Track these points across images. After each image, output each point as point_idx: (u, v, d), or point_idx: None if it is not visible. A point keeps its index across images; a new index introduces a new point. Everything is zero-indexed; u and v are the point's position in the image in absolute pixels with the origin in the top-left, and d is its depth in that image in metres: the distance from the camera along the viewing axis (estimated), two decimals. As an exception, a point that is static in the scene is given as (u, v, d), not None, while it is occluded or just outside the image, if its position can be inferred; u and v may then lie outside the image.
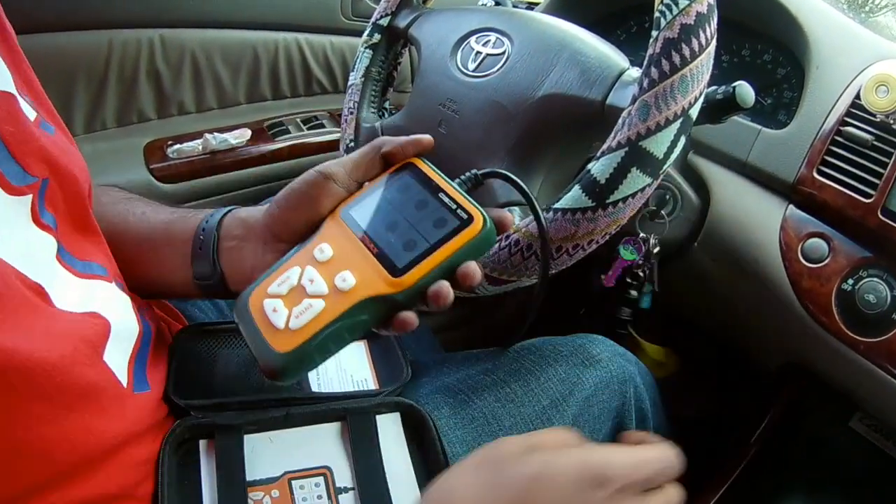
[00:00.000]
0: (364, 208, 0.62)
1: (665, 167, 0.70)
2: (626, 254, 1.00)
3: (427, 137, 0.65)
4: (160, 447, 0.65)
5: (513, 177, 0.64)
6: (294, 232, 0.65)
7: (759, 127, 0.99)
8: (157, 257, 0.74)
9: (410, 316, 0.57)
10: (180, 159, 1.32)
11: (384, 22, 1.04)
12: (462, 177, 0.64)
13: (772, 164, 0.97)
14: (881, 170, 0.89)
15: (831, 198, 0.92)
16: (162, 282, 0.75)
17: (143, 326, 0.69)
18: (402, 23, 1.02)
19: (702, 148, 1.04)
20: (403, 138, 0.64)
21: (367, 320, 0.56)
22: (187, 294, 0.74)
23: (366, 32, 1.05)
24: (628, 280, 1.04)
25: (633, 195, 0.69)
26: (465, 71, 0.89)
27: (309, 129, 1.44)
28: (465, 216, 0.57)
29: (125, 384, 0.62)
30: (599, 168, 0.69)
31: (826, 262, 0.91)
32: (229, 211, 0.73)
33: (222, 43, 1.40)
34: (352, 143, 0.99)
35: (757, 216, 0.97)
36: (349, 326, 0.56)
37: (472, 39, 0.92)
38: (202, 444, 0.69)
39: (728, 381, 1.43)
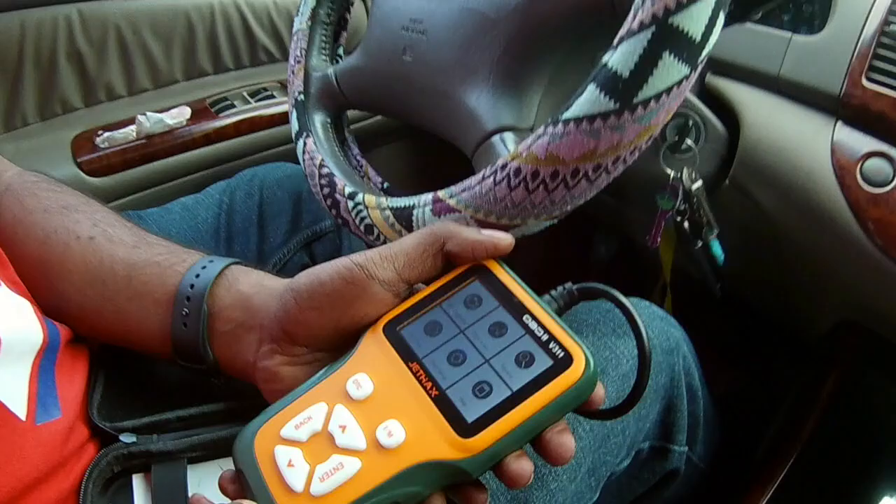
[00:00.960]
0: (418, 326, 0.48)
1: (704, 53, 0.54)
2: (664, 203, 0.83)
3: (507, 238, 0.50)
4: (80, 485, 0.53)
5: (621, 298, 0.47)
6: (318, 338, 0.51)
7: (788, 34, 0.83)
8: (116, 311, 0.58)
9: (480, 499, 0.44)
10: (112, 148, 1.16)
11: (330, -44, 0.88)
12: (553, 292, 0.49)
13: (810, 75, 0.81)
14: None
15: (889, 108, 0.76)
16: (122, 339, 0.59)
17: (48, 332, 0.55)
18: None
19: (722, 66, 0.88)
20: (475, 234, 0.49)
21: (418, 493, 0.43)
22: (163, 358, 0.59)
23: (310, -30, 0.89)
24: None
25: (669, 91, 0.53)
26: None
27: (257, 101, 1.28)
28: (559, 353, 0.44)
29: (23, 415, 0.50)
30: (620, 58, 0.53)
31: (893, 184, 0.76)
32: (225, 267, 0.57)
33: (150, 13, 1.25)
34: (301, 96, 0.82)
35: (800, 139, 0.81)
36: (393, 501, 0.42)
37: None
38: (136, 479, 0.56)
39: (755, 351, 1.28)
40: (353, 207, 0.69)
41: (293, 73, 0.85)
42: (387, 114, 0.81)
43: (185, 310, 0.55)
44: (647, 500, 0.87)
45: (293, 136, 0.81)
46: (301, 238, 0.97)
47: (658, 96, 0.53)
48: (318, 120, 0.81)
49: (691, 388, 0.81)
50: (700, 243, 0.90)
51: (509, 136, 0.62)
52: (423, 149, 1.42)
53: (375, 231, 0.67)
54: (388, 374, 0.46)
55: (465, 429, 0.42)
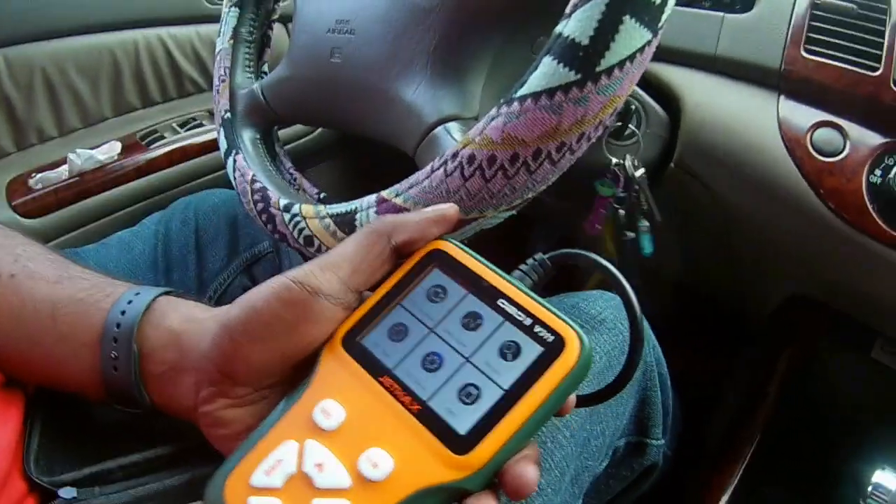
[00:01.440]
0: (381, 332, 0.39)
1: (665, 16, 0.45)
2: (604, 189, 0.73)
3: (452, 207, 0.42)
4: None
5: (593, 256, 0.40)
6: (262, 374, 0.40)
7: (720, 13, 0.76)
8: (45, 356, 0.47)
9: None
10: (45, 189, 1.04)
11: (247, -29, 0.76)
12: (523, 267, 0.41)
13: (748, 51, 0.74)
14: (878, 38, 0.69)
15: (831, 78, 0.70)
16: (55, 383, 0.48)
17: None
18: None
19: (657, 51, 0.79)
20: (417, 215, 0.41)
21: None
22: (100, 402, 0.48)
23: (229, -12, 0.77)
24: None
25: (632, 58, 0.44)
26: None
27: (187, 131, 1.16)
28: (548, 337, 0.35)
29: None
30: (577, 25, 0.43)
31: (845, 153, 0.68)
32: (153, 301, 0.46)
33: (74, 52, 1.12)
34: (228, 115, 0.71)
35: (746, 116, 0.73)
36: None
37: None
38: (78, 546, 0.45)
39: (701, 332, 1.21)
40: (290, 220, 0.58)
41: (218, 92, 0.74)
42: (319, 123, 0.70)
43: (114, 352, 0.44)
44: (626, 496, 0.78)
45: (223, 155, 0.70)
46: (240, 262, 0.86)
47: (622, 64, 0.44)
48: (247, 136, 0.70)
49: (661, 377, 0.73)
50: (632, 234, 0.81)
51: (454, 126, 0.52)
52: (360, 163, 1.30)
53: (316, 242, 0.56)
54: (359, 394, 0.37)
55: (460, 443, 0.33)
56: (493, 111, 0.45)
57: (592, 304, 0.66)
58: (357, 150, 1.25)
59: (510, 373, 0.34)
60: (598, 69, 0.43)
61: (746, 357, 0.99)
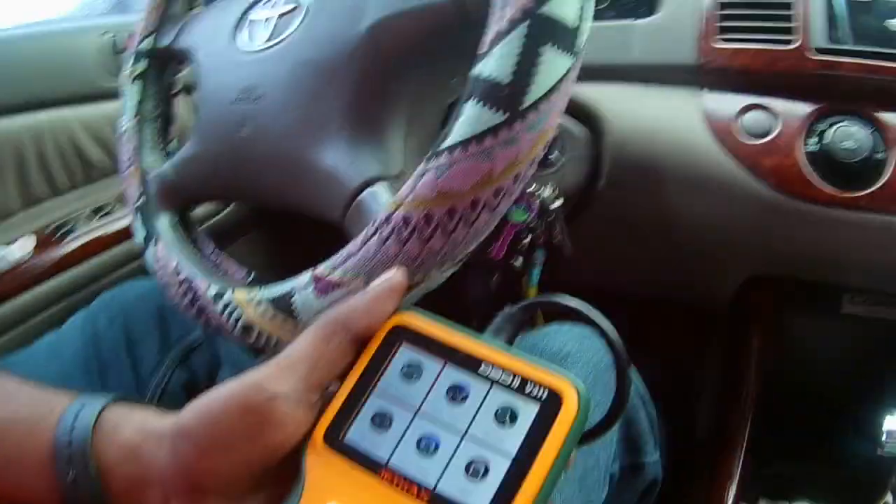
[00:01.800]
0: (363, 425, 0.36)
1: (584, 36, 0.43)
2: (517, 214, 0.71)
3: (398, 273, 0.40)
4: None
5: (567, 301, 0.38)
6: (234, 483, 0.37)
7: (630, 21, 0.75)
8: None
9: None
10: (-45, 298, 0.95)
11: (147, 45, 0.72)
12: (494, 323, 0.39)
13: (662, 53, 0.74)
14: (788, 11, 0.71)
15: (749, 61, 0.71)
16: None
17: None
18: (167, 40, 0.71)
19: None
20: (365, 296, 0.39)
21: None
22: None
23: (128, 64, 0.73)
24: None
25: (557, 87, 0.42)
26: (257, 48, 0.59)
27: (100, 219, 1.09)
28: (541, 394, 0.34)
29: None
30: (496, 64, 0.41)
31: (777, 130, 0.69)
32: (101, 413, 0.42)
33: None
34: (141, 201, 0.66)
35: (670, 118, 0.73)
36: None
37: (254, 11, 0.63)
38: None
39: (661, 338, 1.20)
40: (224, 309, 0.54)
41: (128, 176, 0.69)
42: (237, 198, 0.66)
43: (71, 474, 0.41)
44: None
45: (140, 243, 0.65)
46: (175, 355, 0.81)
47: (547, 95, 0.41)
48: (164, 222, 0.65)
49: (640, 394, 0.71)
50: (521, 263, 0.79)
51: (381, 188, 0.48)
52: (282, 232, 1.25)
53: (255, 330, 0.52)
54: (361, 494, 0.34)
55: None
56: (421, 167, 0.42)
57: (552, 341, 0.64)
58: (277, 220, 1.19)
59: (513, 438, 0.33)
60: (524, 106, 0.40)
61: (718, 346, 0.98)
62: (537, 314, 0.99)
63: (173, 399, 0.39)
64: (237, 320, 0.53)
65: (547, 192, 0.73)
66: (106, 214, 1.10)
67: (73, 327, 0.82)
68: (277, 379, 0.36)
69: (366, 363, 0.37)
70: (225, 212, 1.12)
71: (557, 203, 0.71)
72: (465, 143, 0.41)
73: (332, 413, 0.36)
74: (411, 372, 0.36)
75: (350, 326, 0.37)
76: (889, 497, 0.72)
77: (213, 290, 0.55)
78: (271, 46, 0.58)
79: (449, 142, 0.42)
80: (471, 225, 0.43)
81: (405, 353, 0.36)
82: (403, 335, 0.37)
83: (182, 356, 0.82)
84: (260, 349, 0.53)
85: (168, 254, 0.61)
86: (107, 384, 0.76)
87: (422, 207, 0.42)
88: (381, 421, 0.35)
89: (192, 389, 0.79)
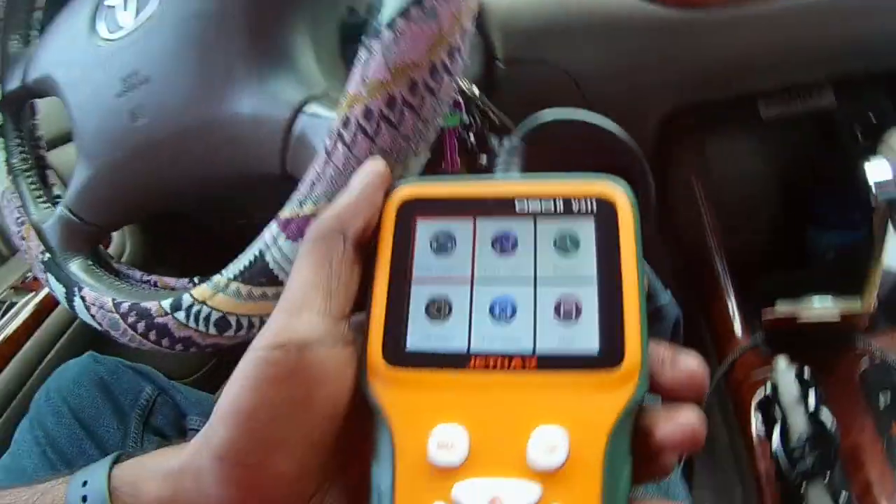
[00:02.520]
0: (422, 325, 0.30)
1: None
2: (450, 119, 0.67)
3: (376, 159, 0.36)
4: None
5: (577, 116, 0.36)
6: (301, 479, 0.31)
7: None
8: None
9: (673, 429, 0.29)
10: None
11: (-6, 96, 0.65)
12: (500, 160, 0.37)
13: None
14: None
15: None
16: None
17: None
18: (15, 82, 0.63)
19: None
20: (351, 193, 0.33)
21: (629, 467, 0.28)
22: None
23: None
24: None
25: None
26: (125, 31, 0.53)
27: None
28: (589, 204, 0.31)
29: None
30: None
31: None
32: (108, 478, 0.35)
33: None
34: (46, 255, 0.59)
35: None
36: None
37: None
38: None
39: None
40: (188, 315, 0.48)
41: (23, 238, 0.61)
42: (154, 208, 0.59)
43: None
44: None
45: (64, 301, 0.57)
46: (136, 421, 0.75)
47: None
48: (80, 267, 0.58)
49: None
50: (486, 160, 0.74)
51: (316, 106, 0.44)
52: (207, 233, 1.15)
53: (233, 321, 0.46)
54: (461, 398, 0.29)
55: (606, 359, 0.28)
56: (363, 55, 0.38)
57: None
58: (191, 229, 1.11)
59: (586, 262, 0.30)
60: None
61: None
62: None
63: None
64: (207, 319, 0.47)
65: (463, 84, 0.69)
66: (6, 312, 1.00)
67: (24, 440, 0.75)
68: (297, 326, 0.30)
69: (388, 258, 0.32)
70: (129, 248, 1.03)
71: (476, 89, 0.67)
72: (404, 12, 0.37)
73: (378, 328, 0.30)
74: (443, 243, 0.31)
75: (347, 231, 0.32)
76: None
77: (166, 304, 0.49)
78: (141, 23, 0.52)
79: (386, 18, 0.37)
80: (434, 93, 0.39)
81: (426, 228, 0.32)
82: (414, 210, 0.32)
83: (143, 419, 0.76)
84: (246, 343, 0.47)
85: (99, 294, 0.54)
86: (81, 475, 0.69)
87: (380, 93, 0.38)
88: (439, 309, 0.30)
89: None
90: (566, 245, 0.30)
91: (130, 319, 0.51)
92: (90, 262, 0.58)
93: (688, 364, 0.29)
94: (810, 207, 0.88)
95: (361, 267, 0.32)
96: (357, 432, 0.31)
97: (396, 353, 0.30)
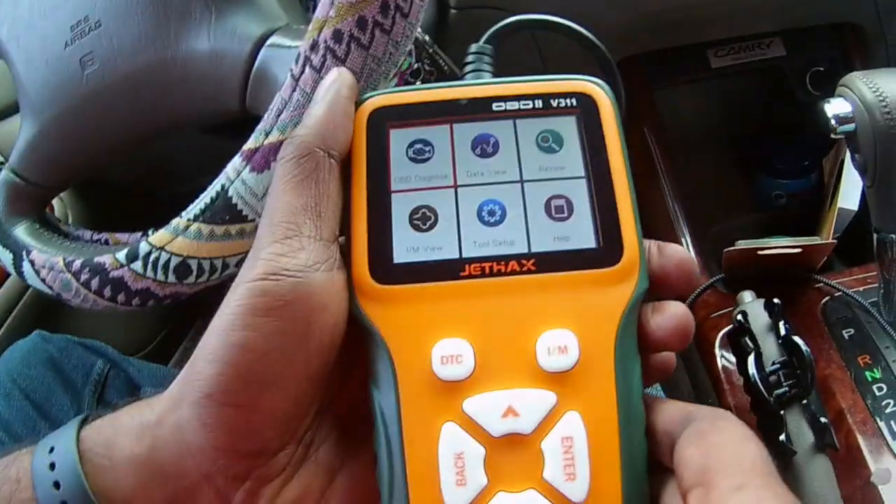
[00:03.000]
0: (407, 236, 0.29)
1: None
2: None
3: (342, 72, 0.32)
4: None
5: (545, 17, 0.36)
6: (294, 417, 0.29)
7: None
8: None
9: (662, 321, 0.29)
10: None
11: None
12: (468, 65, 0.35)
13: None
14: None
15: None
16: None
17: None
18: None
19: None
20: (321, 107, 0.30)
21: (639, 364, 0.28)
22: None
23: None
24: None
25: None
26: None
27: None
28: (568, 101, 0.30)
29: None
30: None
31: None
32: (78, 442, 0.31)
33: None
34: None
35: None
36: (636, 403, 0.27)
37: None
38: None
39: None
40: (145, 264, 0.45)
41: None
42: (102, 163, 0.56)
43: None
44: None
45: (12, 268, 0.54)
46: (88, 399, 0.72)
47: None
48: (26, 230, 0.54)
49: None
50: None
51: (279, 37, 0.42)
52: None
53: (194, 266, 0.44)
54: (459, 307, 0.28)
55: (605, 255, 0.28)
56: None
57: None
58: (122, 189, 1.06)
59: (572, 159, 0.29)
60: None
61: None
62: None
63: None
64: (166, 266, 0.44)
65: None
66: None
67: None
68: (289, 251, 0.28)
69: (364, 172, 0.30)
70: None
71: (426, 36, 0.66)
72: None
73: (362, 246, 0.29)
74: (420, 150, 0.30)
75: (330, 147, 0.29)
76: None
77: (122, 256, 0.47)
78: None
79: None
80: (406, 15, 0.37)
81: (400, 136, 0.30)
82: (385, 119, 0.30)
83: (96, 395, 0.72)
84: (212, 290, 0.45)
85: (48, 256, 0.52)
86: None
87: (350, 14, 0.36)
88: (423, 218, 0.29)
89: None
90: (550, 143, 0.29)
91: (84, 277, 0.49)
92: (38, 226, 0.56)
93: (675, 251, 0.29)
94: (760, 156, 0.89)
95: (341, 180, 0.30)
96: (347, 359, 0.30)
97: (385, 269, 0.28)
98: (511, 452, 0.26)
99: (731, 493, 0.22)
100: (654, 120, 0.83)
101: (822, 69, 0.83)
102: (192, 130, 0.48)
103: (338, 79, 0.32)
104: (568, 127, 0.29)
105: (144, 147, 0.53)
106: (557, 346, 0.26)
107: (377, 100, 0.31)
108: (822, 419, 0.51)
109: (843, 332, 0.61)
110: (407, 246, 0.28)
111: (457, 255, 0.28)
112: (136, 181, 0.83)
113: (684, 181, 0.81)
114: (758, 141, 0.89)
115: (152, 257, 0.45)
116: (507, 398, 0.26)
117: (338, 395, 0.31)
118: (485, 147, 0.29)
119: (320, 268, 0.28)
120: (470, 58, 0.35)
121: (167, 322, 1.05)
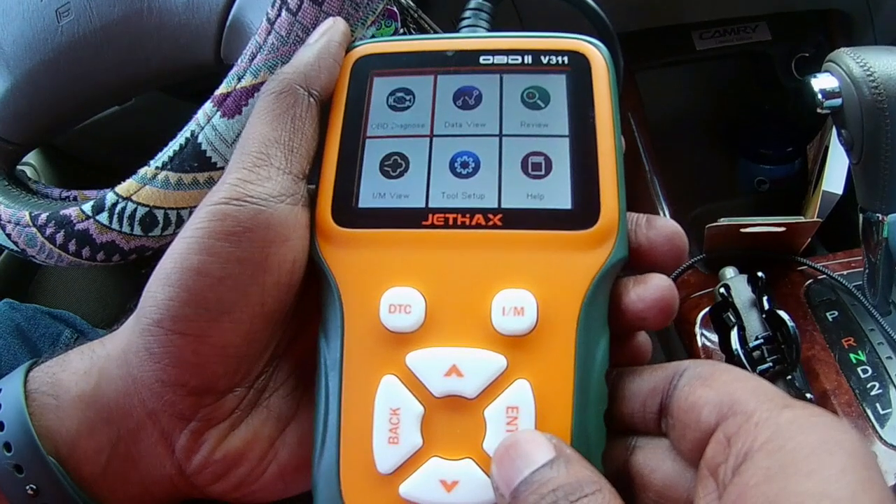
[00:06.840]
0: (375, 181, 0.28)
1: None
2: (384, 31, 0.65)
3: (336, 21, 0.32)
4: None
5: None
6: (246, 354, 0.28)
7: None
8: None
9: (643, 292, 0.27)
10: None
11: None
12: (465, 20, 0.33)
13: None
14: None
15: None
16: None
17: None
18: None
19: None
20: (311, 49, 0.30)
21: (606, 339, 0.26)
22: None
23: None
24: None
25: None
26: None
27: None
28: (560, 59, 0.28)
29: None
30: None
31: None
32: (25, 386, 0.29)
33: None
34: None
35: None
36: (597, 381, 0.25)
37: None
38: None
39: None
40: (111, 216, 0.43)
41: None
42: (74, 119, 0.54)
43: (30, 486, 0.28)
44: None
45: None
46: None
47: None
48: (-9, 185, 0.53)
49: None
50: None
51: None
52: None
53: (160, 217, 0.42)
54: (416, 257, 0.26)
55: (579, 217, 0.26)
56: None
57: None
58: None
59: (557, 117, 0.28)
60: None
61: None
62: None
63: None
64: (132, 217, 0.42)
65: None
66: None
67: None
68: (256, 180, 0.27)
69: (342, 116, 0.29)
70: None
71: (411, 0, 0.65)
72: None
73: (328, 188, 0.28)
74: (401, 98, 0.29)
75: (311, 87, 0.29)
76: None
77: (87, 207, 0.45)
78: None
79: None
80: None
81: (383, 84, 0.29)
82: (370, 66, 0.30)
83: None
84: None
85: (14, 211, 0.50)
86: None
87: None
88: (394, 165, 0.28)
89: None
90: (535, 100, 0.28)
91: (49, 231, 0.47)
92: (6, 183, 0.54)
93: (666, 224, 0.28)
94: (744, 141, 0.88)
95: (320, 122, 0.30)
96: (309, 306, 0.29)
97: (347, 212, 0.27)
98: (452, 416, 0.24)
99: (780, 411, 0.21)
100: (636, 100, 0.82)
101: (807, 55, 0.82)
102: (167, 83, 0.46)
103: (332, 26, 0.31)
104: (556, 85, 0.28)
105: (119, 100, 0.51)
106: (514, 307, 0.25)
107: (365, 47, 0.30)
108: (808, 395, 0.50)
109: (827, 314, 0.60)
110: (374, 192, 0.27)
111: (422, 205, 0.27)
112: (108, 156, 0.81)
113: (665, 164, 0.80)
114: (741, 126, 0.88)
115: (118, 208, 0.43)
116: (453, 356, 0.24)
117: (296, 343, 0.30)
118: (467, 99, 0.28)
119: (285, 200, 0.27)
120: (467, 13, 0.33)
121: (137, 295, 1.03)
